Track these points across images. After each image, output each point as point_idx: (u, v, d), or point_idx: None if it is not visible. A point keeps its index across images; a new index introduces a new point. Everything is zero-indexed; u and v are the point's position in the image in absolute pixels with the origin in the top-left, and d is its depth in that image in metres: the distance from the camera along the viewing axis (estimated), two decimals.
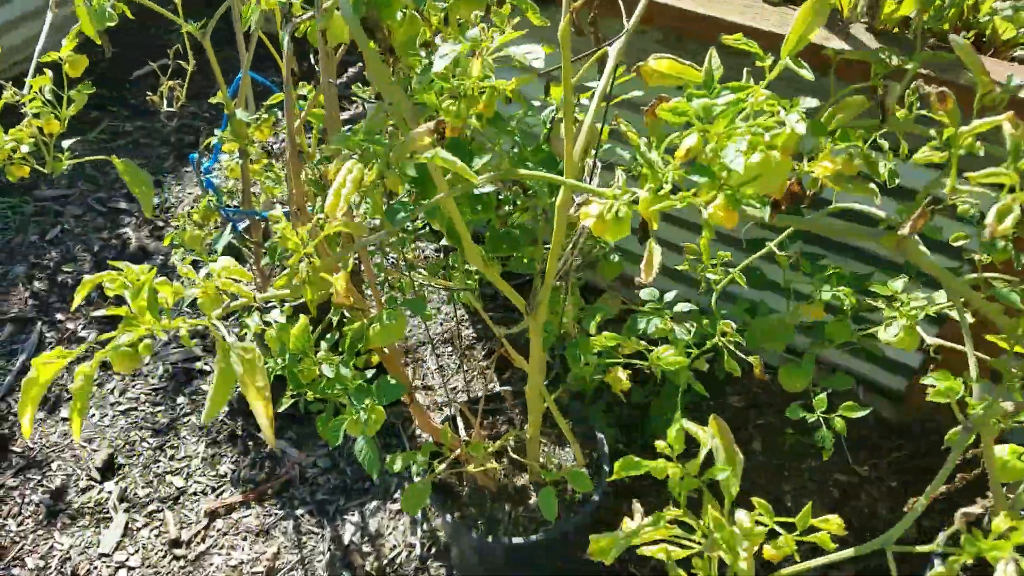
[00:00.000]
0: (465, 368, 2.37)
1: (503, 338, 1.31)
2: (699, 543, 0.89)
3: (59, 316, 2.46)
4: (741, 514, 0.89)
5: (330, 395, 1.27)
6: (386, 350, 1.30)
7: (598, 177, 1.43)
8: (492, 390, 1.93)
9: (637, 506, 0.95)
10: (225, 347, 0.95)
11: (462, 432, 1.56)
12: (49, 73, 1.05)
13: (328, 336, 1.29)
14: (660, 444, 0.94)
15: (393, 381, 1.25)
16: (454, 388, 2.31)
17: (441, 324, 2.45)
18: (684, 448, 0.95)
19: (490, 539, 1.61)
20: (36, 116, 1.03)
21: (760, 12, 1.60)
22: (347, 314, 1.22)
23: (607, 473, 1.70)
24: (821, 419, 1.41)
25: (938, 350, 1.30)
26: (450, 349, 2.41)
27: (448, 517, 1.63)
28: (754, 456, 2.09)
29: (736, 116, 0.70)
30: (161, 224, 2.75)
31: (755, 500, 1.00)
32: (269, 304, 1.62)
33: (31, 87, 1.03)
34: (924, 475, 1.97)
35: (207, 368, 2.33)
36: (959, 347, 1.25)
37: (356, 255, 1.32)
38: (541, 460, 1.77)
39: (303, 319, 1.25)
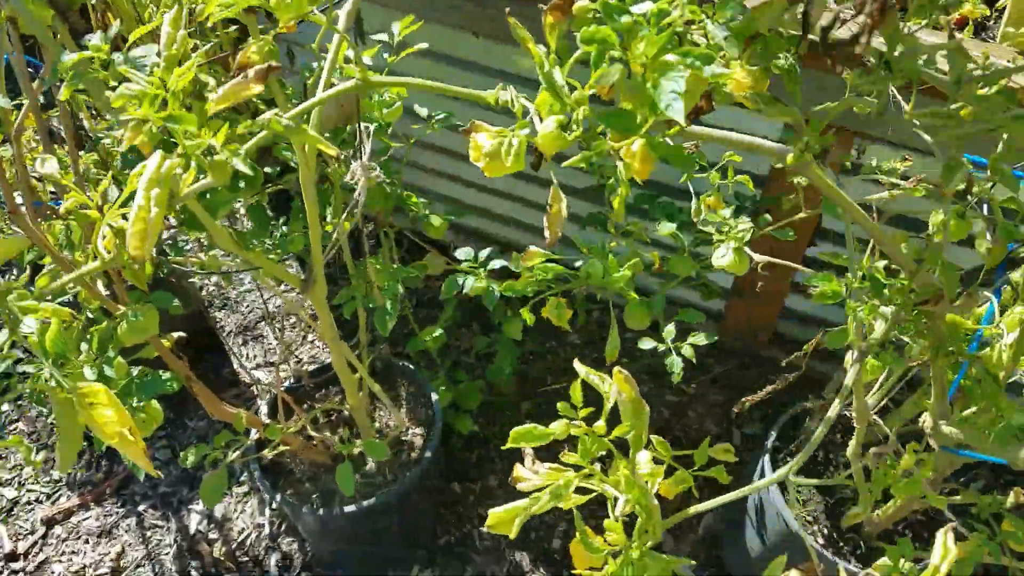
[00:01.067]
0: (311, 339, 2.32)
1: (306, 316, 1.27)
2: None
3: None
4: (642, 455, 0.84)
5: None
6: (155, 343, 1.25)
7: (370, 145, 1.38)
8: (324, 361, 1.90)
9: (528, 450, 0.87)
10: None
11: (283, 416, 1.53)
12: None
13: (88, 336, 1.23)
14: (562, 405, 0.85)
15: (166, 376, 1.20)
16: (299, 360, 2.26)
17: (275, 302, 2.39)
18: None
19: (321, 512, 1.60)
20: None
21: None
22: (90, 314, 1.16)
23: (440, 432, 1.71)
24: (671, 347, 1.44)
25: (765, 267, 1.30)
26: (293, 320, 2.35)
27: (279, 496, 1.61)
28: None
29: (667, 41, 0.57)
30: None
31: (654, 438, 0.98)
32: None
33: None
34: (743, 391, 2.06)
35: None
36: (785, 262, 1.30)
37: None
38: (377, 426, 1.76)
39: (54, 322, 1.18)
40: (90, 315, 1.19)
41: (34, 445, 2.07)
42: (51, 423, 2.09)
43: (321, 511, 1.60)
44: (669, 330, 1.47)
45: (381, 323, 1.52)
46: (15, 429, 2.10)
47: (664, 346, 1.47)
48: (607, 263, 1.42)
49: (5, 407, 2.15)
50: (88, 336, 1.21)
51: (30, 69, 1.23)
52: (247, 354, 2.30)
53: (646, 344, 1.50)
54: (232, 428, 1.35)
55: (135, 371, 1.21)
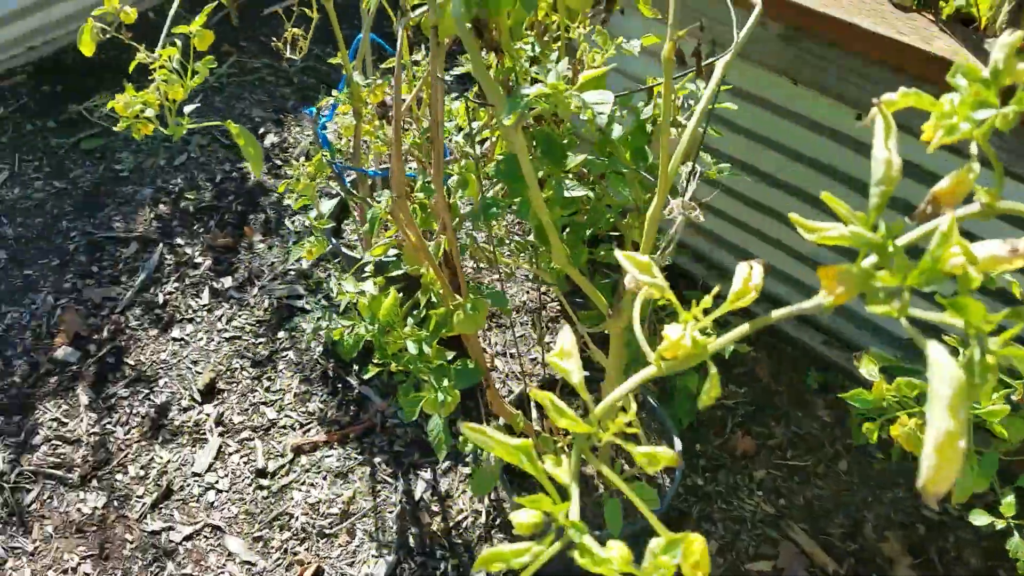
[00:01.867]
0: (546, 342, 2.38)
1: (586, 334, 1.31)
2: None
3: (179, 240, 2.61)
4: None
5: (412, 370, 1.32)
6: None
7: (695, 185, 1.39)
8: None
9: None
10: None
11: (536, 417, 1.59)
12: (178, 43, 1.10)
13: (415, 312, 1.33)
14: None
15: (472, 365, 1.28)
16: (534, 360, 2.33)
17: (527, 293, 2.47)
18: None
19: None
20: (164, 82, 1.09)
21: (887, 18, 1.50)
22: (433, 297, 1.25)
23: (681, 473, 1.70)
24: (1012, 525, 1.19)
25: None
26: (530, 318, 2.42)
27: (513, 497, 1.67)
28: (838, 477, 2.03)
29: None
30: (279, 163, 2.86)
31: None
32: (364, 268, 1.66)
33: (160, 55, 1.08)
34: None
35: (307, 307, 2.43)
36: None
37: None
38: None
39: (393, 293, 1.29)
40: (432, 298, 1.28)
41: (298, 375, 2.28)
42: (315, 359, 2.30)
43: None
44: (1009, 504, 1.20)
45: (683, 410, 1.53)
46: (285, 356, 2.32)
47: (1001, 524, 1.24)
48: None
49: (280, 334, 2.38)
50: (419, 315, 1.30)
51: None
52: (490, 339, 2.40)
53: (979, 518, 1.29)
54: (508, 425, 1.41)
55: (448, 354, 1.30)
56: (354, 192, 1.92)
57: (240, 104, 3.04)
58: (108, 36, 1.14)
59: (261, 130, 2.97)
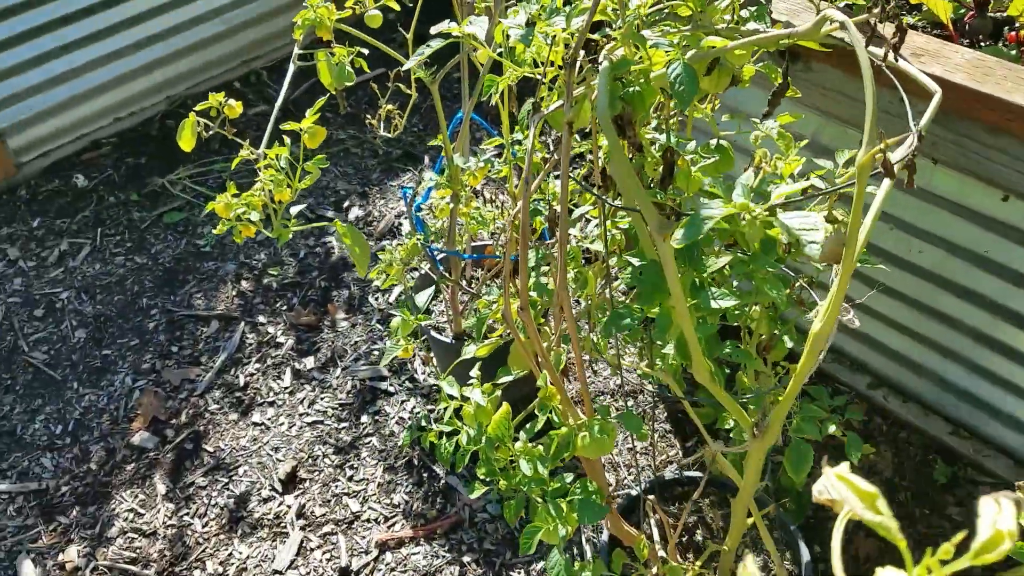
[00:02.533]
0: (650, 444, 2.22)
1: (718, 453, 1.16)
2: None
3: (261, 319, 2.54)
4: None
5: (526, 491, 1.18)
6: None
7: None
8: (681, 473, 1.77)
9: None
10: None
11: (654, 530, 1.43)
12: (287, 140, 1.01)
13: (528, 426, 1.19)
14: None
15: (593, 490, 1.14)
16: (630, 448, 2.17)
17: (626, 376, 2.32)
18: None
19: None
20: (271, 182, 1.00)
21: None
22: (554, 415, 1.11)
23: None
24: None
25: None
26: (630, 404, 2.27)
27: None
28: None
29: None
30: (364, 236, 2.79)
31: None
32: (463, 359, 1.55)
33: (266, 155, 0.99)
34: None
35: (391, 389, 2.32)
36: None
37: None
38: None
39: (506, 407, 1.16)
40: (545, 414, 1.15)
41: (382, 463, 2.16)
42: (399, 446, 2.18)
43: None
44: None
45: (793, 465, 1.36)
46: (368, 443, 2.21)
47: None
48: None
49: (364, 418, 2.27)
50: (532, 428, 1.17)
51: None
52: None
53: None
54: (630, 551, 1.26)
55: (568, 477, 1.16)
56: (448, 276, 1.82)
57: (325, 177, 3.00)
58: (211, 132, 1.06)
59: (346, 203, 2.92)
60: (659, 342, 1.39)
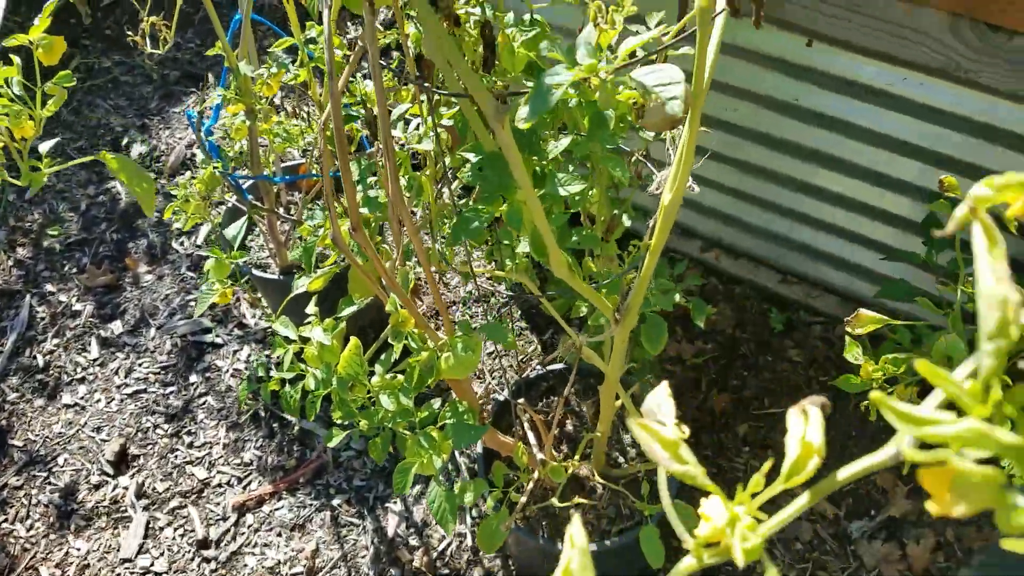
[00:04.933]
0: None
1: (582, 345, 1.10)
2: None
3: (49, 287, 2.22)
4: None
5: (391, 427, 1.07)
6: None
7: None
8: (544, 369, 1.72)
9: None
10: None
11: (529, 433, 1.36)
12: (17, 60, 0.79)
13: (383, 357, 1.07)
14: None
15: (464, 411, 1.04)
16: (490, 353, 2.11)
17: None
18: None
19: (559, 545, 1.44)
20: (5, 115, 0.78)
21: None
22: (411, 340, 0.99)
23: None
24: None
25: None
26: (483, 309, 2.19)
27: (510, 524, 1.46)
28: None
29: None
30: (154, 174, 2.47)
31: None
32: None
33: None
34: None
35: (219, 341, 2.11)
36: None
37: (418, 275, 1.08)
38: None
39: (354, 341, 1.03)
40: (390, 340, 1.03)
41: (224, 422, 1.98)
42: (238, 398, 2.00)
43: (559, 544, 1.44)
44: None
45: (650, 339, 1.33)
46: (204, 404, 2.01)
47: None
48: None
49: (193, 378, 2.06)
50: (388, 359, 1.05)
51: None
52: None
53: None
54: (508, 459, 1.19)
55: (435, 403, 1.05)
56: (259, 205, 1.62)
57: (94, 113, 2.61)
58: None
59: (125, 140, 2.56)
60: (506, 241, 1.29)
